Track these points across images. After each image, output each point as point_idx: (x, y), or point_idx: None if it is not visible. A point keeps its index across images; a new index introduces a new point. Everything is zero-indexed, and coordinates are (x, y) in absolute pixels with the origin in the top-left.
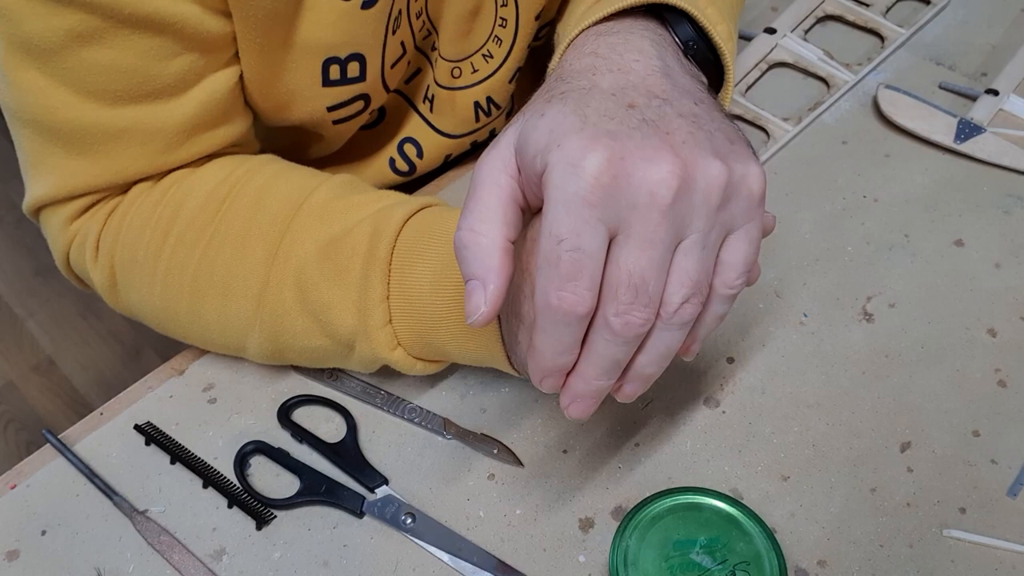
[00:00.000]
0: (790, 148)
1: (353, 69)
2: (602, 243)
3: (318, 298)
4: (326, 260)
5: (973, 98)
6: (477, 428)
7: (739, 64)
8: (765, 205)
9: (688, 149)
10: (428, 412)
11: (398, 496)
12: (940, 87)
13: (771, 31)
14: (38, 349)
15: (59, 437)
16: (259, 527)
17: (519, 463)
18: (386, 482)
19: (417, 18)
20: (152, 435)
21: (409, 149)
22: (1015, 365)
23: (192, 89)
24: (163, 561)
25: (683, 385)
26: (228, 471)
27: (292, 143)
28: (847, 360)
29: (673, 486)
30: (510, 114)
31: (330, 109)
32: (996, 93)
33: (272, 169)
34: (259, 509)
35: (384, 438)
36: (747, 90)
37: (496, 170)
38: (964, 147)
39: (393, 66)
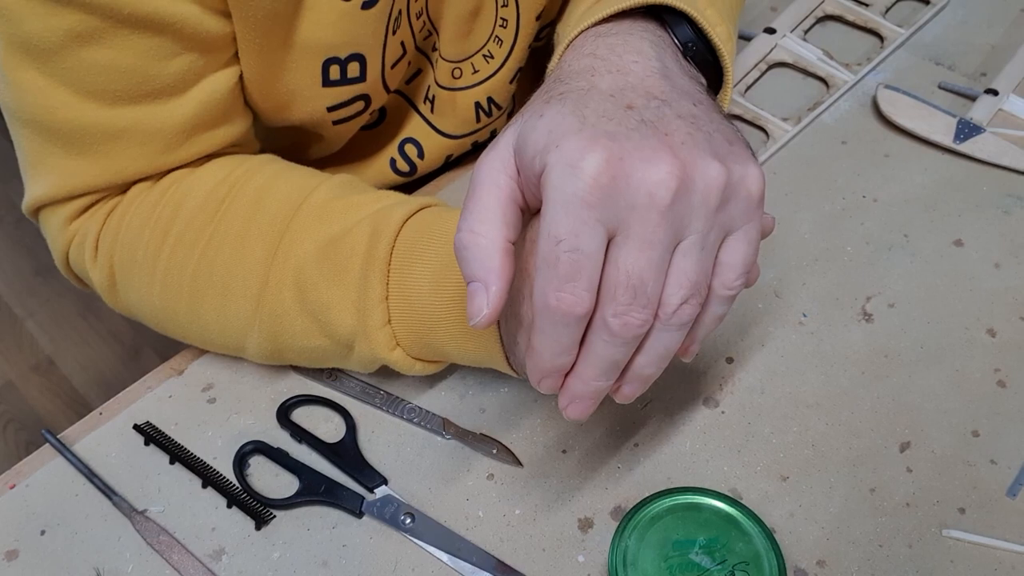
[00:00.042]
0: (789, 148)
1: (353, 69)
2: (601, 244)
3: (317, 298)
4: (325, 260)
5: (972, 98)
6: (476, 428)
7: (739, 64)
8: (764, 206)
9: (687, 150)
10: (427, 412)
11: (397, 496)
12: (939, 87)
13: (771, 31)
14: (38, 349)
15: (58, 437)
16: (258, 527)
17: (518, 463)
18: (385, 482)
19: (417, 18)
20: (151, 435)
21: (410, 149)
22: (1015, 365)
23: (191, 89)
24: (162, 561)
25: (682, 385)
26: (227, 471)
27: (292, 143)
28: (846, 360)
29: (672, 486)
30: (511, 114)
31: (330, 109)
32: (996, 93)
33: (272, 169)
34: (258, 509)
35: (383, 438)
36: (747, 90)
37: (495, 171)
38: (964, 147)
39: (393, 66)
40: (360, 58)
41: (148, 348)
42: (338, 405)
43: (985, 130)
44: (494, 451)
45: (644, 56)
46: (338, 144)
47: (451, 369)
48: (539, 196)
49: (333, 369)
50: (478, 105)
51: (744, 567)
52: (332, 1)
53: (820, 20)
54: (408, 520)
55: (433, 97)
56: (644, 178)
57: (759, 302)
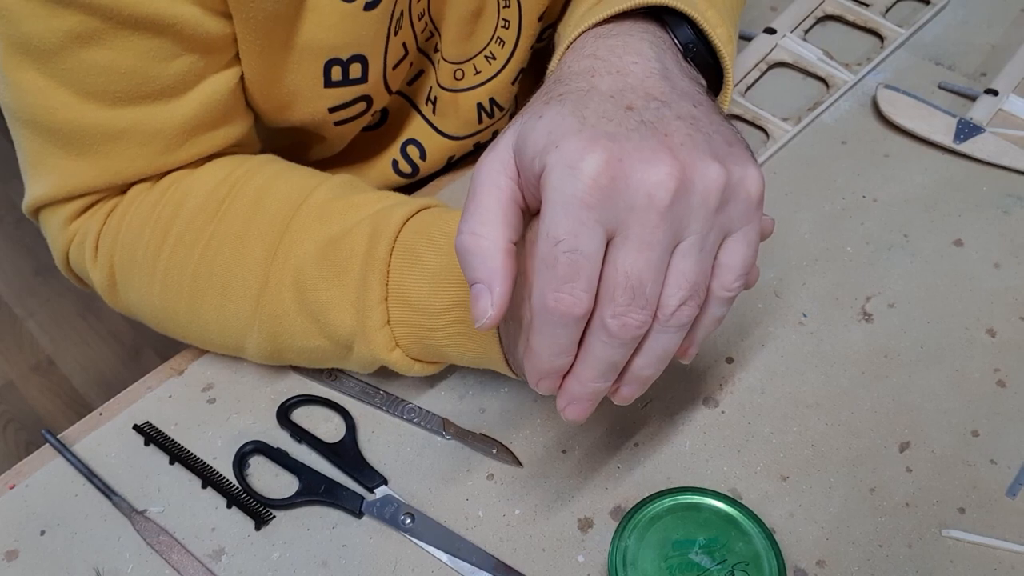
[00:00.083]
0: (789, 148)
1: (355, 70)
2: (600, 245)
3: (317, 299)
4: (325, 261)
5: (972, 98)
6: (476, 428)
7: (739, 64)
8: (763, 207)
9: (686, 151)
10: (427, 412)
11: (397, 496)
12: (939, 87)
13: (771, 31)
14: (38, 349)
15: (58, 437)
16: (258, 527)
17: (518, 463)
18: (385, 482)
19: (419, 19)
20: (151, 435)
21: (412, 151)
22: (1014, 365)
23: (192, 90)
24: (162, 561)
25: (682, 385)
26: (227, 471)
27: (294, 144)
28: (846, 360)
29: (672, 486)
30: (513, 115)
31: (332, 110)
32: (995, 93)
33: (272, 169)
34: (258, 509)
35: (383, 438)
36: (747, 90)
37: (495, 172)
38: (963, 147)
39: (395, 68)
40: (362, 59)
41: (148, 348)
42: (338, 405)
43: (985, 130)
44: (494, 451)
45: (644, 57)
46: (340, 145)
47: (451, 369)
48: (539, 197)
49: (333, 369)
50: (480, 106)
51: (744, 567)
52: (334, 2)
53: (820, 20)
54: (408, 520)
55: (435, 98)
56: (643, 179)
57: (759, 302)
